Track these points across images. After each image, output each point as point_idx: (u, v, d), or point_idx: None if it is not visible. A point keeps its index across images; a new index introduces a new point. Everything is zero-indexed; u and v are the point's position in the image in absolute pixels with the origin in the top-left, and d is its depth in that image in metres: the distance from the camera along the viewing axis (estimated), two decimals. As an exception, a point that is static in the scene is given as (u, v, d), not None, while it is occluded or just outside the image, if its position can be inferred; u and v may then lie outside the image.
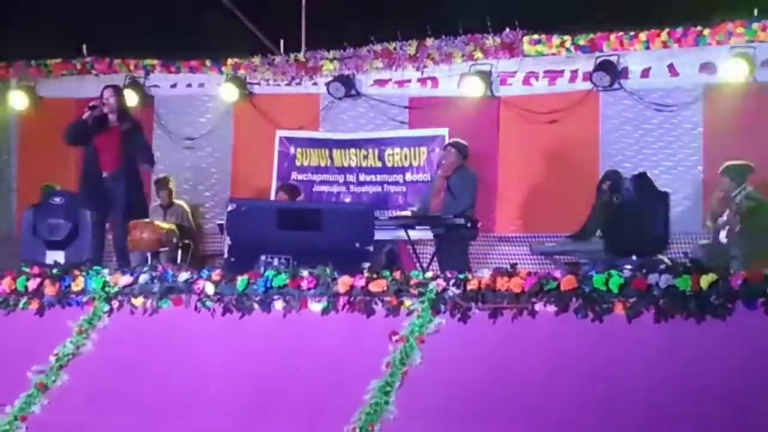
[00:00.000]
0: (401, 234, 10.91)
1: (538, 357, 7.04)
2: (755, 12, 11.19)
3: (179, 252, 11.79)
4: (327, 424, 7.02)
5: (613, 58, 11.77)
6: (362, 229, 8.87)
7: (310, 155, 13.15)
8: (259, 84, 13.41)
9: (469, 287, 7.35)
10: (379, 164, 12.86)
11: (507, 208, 12.32)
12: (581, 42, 11.91)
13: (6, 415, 7.70)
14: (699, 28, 11.40)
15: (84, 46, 13.85)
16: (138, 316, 8.19)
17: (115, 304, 8.27)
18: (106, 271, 8.56)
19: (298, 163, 13.19)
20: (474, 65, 12.34)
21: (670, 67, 11.60)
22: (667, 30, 11.53)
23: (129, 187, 9.88)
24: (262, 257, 8.33)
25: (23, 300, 8.55)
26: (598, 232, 9.89)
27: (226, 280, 7.99)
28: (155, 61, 13.74)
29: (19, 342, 8.32)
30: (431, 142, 12.59)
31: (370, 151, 12.89)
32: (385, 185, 12.83)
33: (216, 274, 8.08)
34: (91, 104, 10.00)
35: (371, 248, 8.78)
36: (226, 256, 8.68)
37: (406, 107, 12.86)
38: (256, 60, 13.31)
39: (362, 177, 12.94)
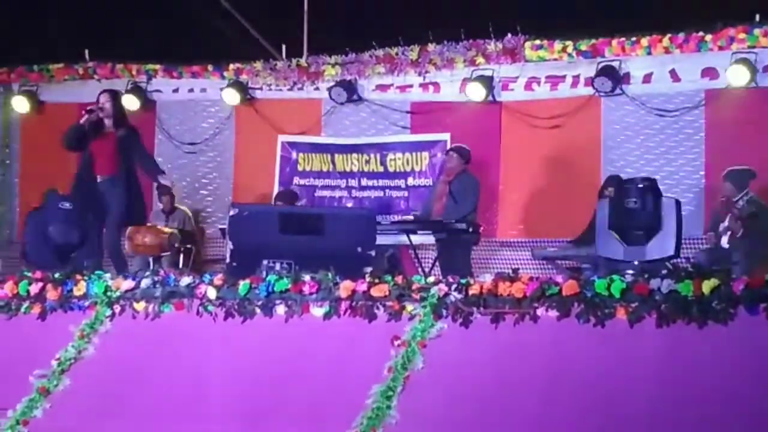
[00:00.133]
0: (403, 239, 10.93)
1: (540, 362, 7.04)
2: (757, 17, 11.20)
3: (181, 256, 11.80)
4: (329, 429, 7.02)
5: (615, 64, 11.78)
6: (364, 234, 8.88)
7: (312, 160, 13.15)
8: (261, 89, 13.43)
9: (471, 292, 7.35)
10: (381, 169, 12.86)
11: (509, 212, 12.32)
12: (583, 47, 11.92)
13: (8, 419, 7.70)
14: (701, 33, 11.40)
15: (86, 51, 13.87)
16: (140, 320, 8.19)
17: (117, 308, 8.26)
18: (108, 275, 8.56)
19: (300, 168, 13.20)
20: (476, 70, 12.35)
21: (672, 72, 11.62)
22: (668, 35, 11.54)
23: (126, 192, 9.84)
24: (264, 262, 8.32)
25: (25, 304, 8.55)
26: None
27: (228, 285, 7.99)
28: (157, 66, 13.76)
29: (21, 346, 8.31)
30: (433, 147, 12.59)
31: (372, 156, 12.90)
32: (387, 190, 12.84)
33: (218, 279, 8.07)
34: (87, 108, 9.98)
35: (373, 253, 8.78)
36: (228, 260, 8.68)
37: (408, 112, 12.87)
38: (258, 65, 13.32)
39: (364, 182, 12.95)
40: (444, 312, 7.36)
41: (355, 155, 12.99)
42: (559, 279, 7.27)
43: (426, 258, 11.31)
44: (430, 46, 12.55)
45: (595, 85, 11.80)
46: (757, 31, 11.16)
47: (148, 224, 11.41)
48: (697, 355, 6.72)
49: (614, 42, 11.78)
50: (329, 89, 12.90)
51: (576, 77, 12.05)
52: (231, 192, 13.44)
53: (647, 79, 11.75)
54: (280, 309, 7.80)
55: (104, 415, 7.61)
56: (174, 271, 8.69)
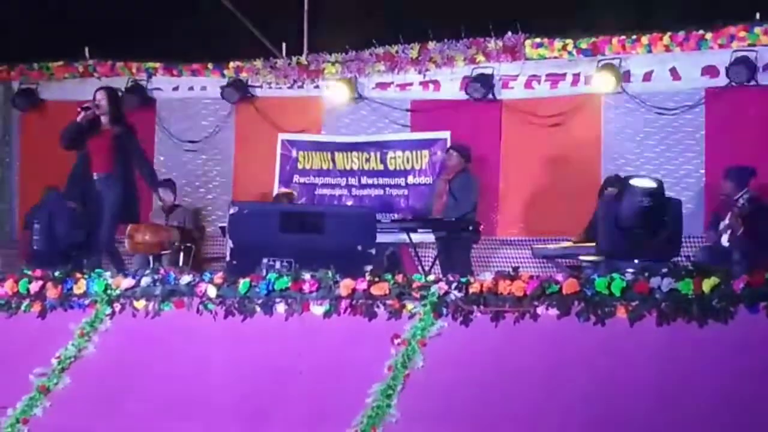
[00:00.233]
0: (403, 237, 10.94)
1: (540, 360, 7.04)
2: (757, 16, 11.19)
3: (181, 255, 11.80)
4: (329, 427, 7.03)
5: (615, 62, 11.77)
6: (364, 232, 8.89)
7: (312, 158, 13.14)
8: (261, 87, 13.42)
9: (471, 290, 7.35)
10: (381, 167, 12.85)
11: (509, 211, 12.31)
12: (583, 45, 11.90)
13: (8, 417, 7.71)
14: (701, 31, 11.39)
15: (86, 49, 13.86)
16: (140, 318, 8.19)
17: (117, 307, 8.28)
18: (108, 274, 8.56)
19: (300, 167, 13.19)
20: (476, 68, 12.34)
21: (672, 70, 11.60)
22: (669, 33, 11.52)
23: (121, 190, 9.81)
24: (264, 260, 8.33)
25: (25, 303, 8.56)
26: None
27: (228, 283, 7.99)
28: (157, 64, 13.75)
29: (21, 345, 8.32)
30: (433, 145, 12.58)
31: (372, 154, 12.89)
32: (387, 188, 12.83)
33: (218, 277, 8.08)
34: (83, 106, 9.96)
35: (373, 251, 8.80)
36: (228, 258, 8.69)
37: (408, 110, 12.85)
38: (258, 63, 13.31)
39: (364, 180, 12.94)
40: (444, 310, 7.36)
41: (355, 153, 12.97)
42: (559, 277, 7.27)
43: (426, 256, 11.32)
44: (430, 44, 12.54)
45: (595, 83, 11.80)
46: (757, 30, 11.14)
47: (148, 222, 11.43)
48: (697, 353, 6.73)
49: (614, 40, 11.76)
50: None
51: (576, 75, 12.03)
52: (231, 190, 13.44)
53: (647, 77, 11.73)
54: (280, 307, 7.80)
55: (104, 414, 7.62)
56: (174, 270, 8.69)
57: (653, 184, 8.92)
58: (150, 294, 8.20)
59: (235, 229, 8.71)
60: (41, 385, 7.85)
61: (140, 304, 8.21)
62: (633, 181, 8.95)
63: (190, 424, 7.41)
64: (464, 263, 10.62)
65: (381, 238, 9.58)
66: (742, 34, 11.18)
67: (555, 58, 12.09)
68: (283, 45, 13.32)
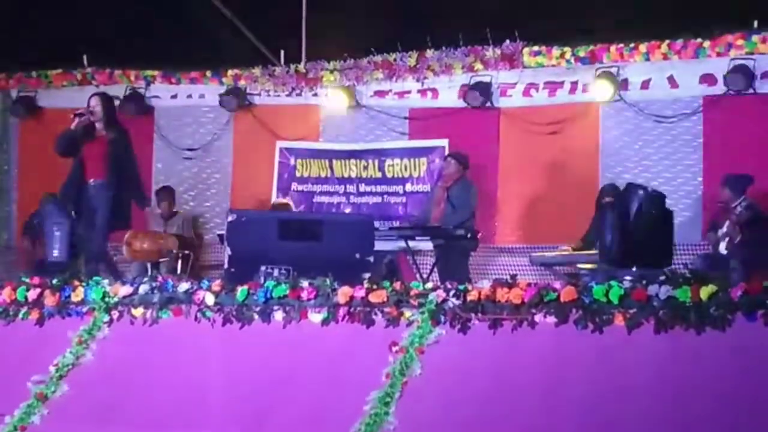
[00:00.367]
0: (401, 245, 10.94)
1: (538, 368, 7.04)
2: (755, 24, 11.21)
3: (179, 262, 11.79)
4: (327, 435, 7.04)
5: (613, 70, 11.78)
6: (362, 240, 8.88)
7: (311, 166, 13.15)
8: (259, 95, 13.43)
9: (469, 298, 7.35)
10: (379, 175, 12.86)
11: (507, 219, 12.32)
12: (581, 53, 11.92)
13: (6, 425, 7.70)
14: (699, 39, 11.41)
15: (84, 57, 13.87)
16: (138, 326, 8.19)
17: (115, 314, 8.26)
18: (106, 281, 8.55)
19: (298, 174, 13.20)
20: (474, 76, 12.36)
21: (670, 78, 11.62)
22: (667, 42, 11.55)
23: (112, 196, 9.79)
24: (263, 268, 8.32)
25: (23, 310, 8.55)
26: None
27: (226, 291, 7.99)
28: (156, 72, 13.76)
29: (19, 352, 8.31)
30: (431, 152, 12.60)
31: (370, 161, 12.90)
32: (385, 196, 12.84)
33: (216, 285, 8.07)
34: (76, 112, 9.95)
35: (371, 259, 8.79)
36: (226, 266, 8.68)
37: (406, 118, 12.87)
38: (257, 71, 13.32)
39: (362, 188, 12.95)
40: (442, 318, 7.36)
41: (353, 161, 12.99)
42: (557, 285, 7.27)
43: (424, 264, 11.31)
44: (429, 52, 12.55)
45: (593, 91, 11.81)
46: (755, 38, 11.16)
47: (146, 230, 11.42)
48: (695, 361, 6.73)
49: (612, 48, 11.79)
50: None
51: (574, 83, 12.05)
52: (229, 198, 13.44)
53: (645, 85, 11.75)
54: (278, 315, 7.80)
55: (102, 422, 7.61)
56: (172, 277, 8.69)
57: (658, 193, 8.94)
58: (148, 301, 8.19)
59: (233, 236, 8.70)
60: (39, 393, 7.83)
61: (138, 311, 8.20)
62: (639, 189, 8.94)
63: (188, 431, 7.40)
64: (462, 271, 10.63)
65: (379, 245, 9.57)
66: (740, 42, 11.21)
67: (553, 66, 12.11)
68: (282, 53, 13.33)
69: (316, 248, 8.65)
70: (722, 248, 10.14)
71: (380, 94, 12.93)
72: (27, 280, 8.70)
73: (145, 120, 13.66)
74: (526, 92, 12.27)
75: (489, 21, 12.12)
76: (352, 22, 12.92)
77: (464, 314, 7.32)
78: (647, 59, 11.69)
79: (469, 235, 10.79)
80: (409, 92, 12.80)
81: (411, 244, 11.03)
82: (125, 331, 8.19)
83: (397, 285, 7.64)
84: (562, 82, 12.11)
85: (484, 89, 12.24)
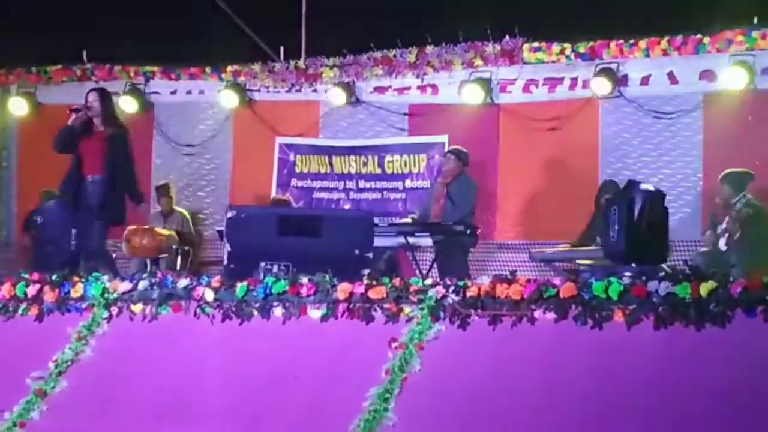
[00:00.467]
0: (401, 241, 10.93)
1: (538, 364, 7.04)
2: (755, 20, 11.21)
3: (179, 258, 11.79)
4: (326, 431, 7.02)
5: (613, 66, 11.78)
6: (362, 236, 8.87)
7: (310, 162, 13.15)
8: (259, 91, 13.43)
9: (468, 294, 7.34)
10: (378, 171, 12.86)
11: (506, 215, 12.33)
12: (581, 49, 11.93)
13: (5, 421, 7.69)
14: (699, 36, 11.42)
15: (84, 53, 13.87)
16: (137, 322, 8.18)
17: (114, 310, 8.25)
18: (105, 277, 8.55)
19: (297, 170, 13.20)
20: (474, 72, 12.36)
21: (670, 74, 11.62)
22: (666, 38, 11.55)
23: (108, 192, 9.77)
24: (262, 264, 8.32)
25: (22, 306, 8.54)
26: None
27: (226, 287, 7.98)
28: (155, 68, 13.76)
29: (18, 348, 8.30)
30: (431, 149, 12.60)
31: (370, 157, 12.90)
32: (385, 192, 12.84)
33: (215, 281, 8.07)
34: (73, 108, 9.93)
35: (371, 255, 8.78)
36: (225, 262, 8.68)
37: (405, 114, 12.87)
38: (256, 67, 13.33)
39: (362, 184, 12.95)
40: (441, 314, 7.35)
41: (352, 157, 12.99)
42: (556, 281, 7.27)
43: (424, 260, 11.31)
44: (428, 48, 12.56)
45: (592, 87, 11.80)
46: (755, 34, 11.17)
47: (146, 226, 11.42)
48: (694, 357, 6.72)
49: (612, 44, 11.79)
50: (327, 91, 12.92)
51: (574, 79, 12.05)
52: (229, 194, 13.45)
53: (645, 81, 11.75)
54: (278, 311, 7.79)
55: (101, 417, 7.60)
56: (171, 273, 8.68)
57: (658, 190, 8.93)
58: (147, 297, 8.18)
59: (233, 232, 8.70)
60: (38, 389, 7.82)
61: (137, 307, 8.19)
62: (646, 186, 8.93)
63: (187, 427, 7.40)
64: (462, 267, 10.62)
65: (378, 241, 9.56)
66: (740, 38, 11.21)
67: (553, 62, 12.11)
68: (281, 49, 13.34)
69: (315, 244, 8.64)
70: (722, 245, 10.14)
71: (380, 90, 12.93)
72: (26, 276, 8.69)
73: (145, 116, 13.66)
74: (525, 88, 12.27)
75: (489, 17, 12.11)
76: (351, 18, 12.91)
77: (464, 310, 7.31)
78: (647, 55, 11.70)
79: (468, 232, 10.78)
80: (408, 88, 12.81)
81: (410, 240, 11.03)
82: (124, 327, 8.19)
83: (397, 281, 7.63)
84: (562, 78, 12.11)
85: (484, 85, 12.23)
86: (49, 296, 8.45)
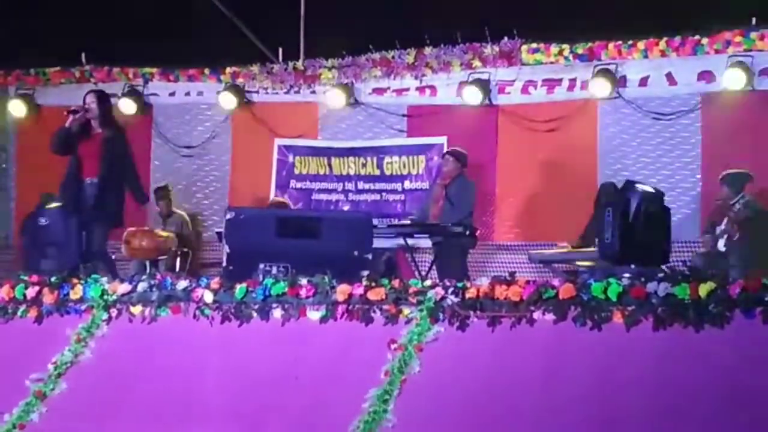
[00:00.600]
0: (400, 242, 10.93)
1: (537, 365, 7.04)
2: (753, 21, 11.21)
3: (178, 260, 11.79)
4: (325, 433, 7.04)
5: (612, 67, 11.78)
6: (361, 237, 8.88)
7: (309, 163, 13.15)
8: (257, 92, 13.42)
9: (467, 295, 7.35)
10: (377, 172, 12.86)
11: (505, 216, 12.32)
12: (579, 51, 11.92)
13: (4, 423, 7.70)
14: (697, 37, 11.41)
15: (83, 55, 13.86)
16: (136, 324, 8.19)
17: (114, 312, 8.26)
18: (104, 279, 8.55)
19: (296, 172, 13.20)
20: (472, 74, 12.35)
21: (669, 75, 11.62)
22: (665, 39, 11.54)
23: (107, 194, 9.77)
24: (261, 265, 8.33)
25: (22, 308, 8.54)
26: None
27: (225, 288, 7.99)
28: (154, 70, 13.75)
29: (17, 350, 8.31)
30: (430, 150, 12.59)
31: (369, 159, 12.89)
32: (384, 193, 12.84)
33: (215, 282, 8.07)
34: (71, 109, 9.93)
35: (370, 256, 8.78)
36: (224, 264, 8.68)
37: (404, 115, 12.87)
38: (255, 68, 13.32)
39: (361, 185, 12.94)
40: (441, 315, 7.36)
41: (351, 158, 12.99)
42: (555, 282, 7.28)
43: (423, 261, 11.31)
44: (427, 50, 12.55)
45: (591, 88, 11.81)
46: (753, 35, 11.16)
47: (145, 228, 11.42)
48: (693, 358, 6.73)
49: (611, 45, 11.78)
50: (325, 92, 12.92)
51: (572, 80, 12.04)
52: (227, 195, 13.44)
53: (644, 82, 11.75)
54: (277, 312, 7.80)
55: (101, 419, 7.61)
56: (171, 275, 8.69)
57: (657, 190, 8.94)
58: (147, 299, 8.19)
59: (232, 234, 8.70)
60: (38, 391, 7.83)
61: (137, 309, 8.20)
62: (641, 187, 8.94)
63: (187, 429, 7.40)
64: (461, 268, 10.62)
65: (377, 243, 9.57)
66: (738, 39, 11.21)
67: (551, 63, 12.10)
68: (280, 50, 13.34)
69: (314, 246, 8.64)
70: (721, 245, 10.14)
71: (378, 91, 12.92)
72: (25, 278, 8.69)
73: (144, 118, 13.66)
74: (524, 89, 12.26)
75: (487, 18, 12.11)
76: (350, 20, 12.91)
77: (463, 312, 7.32)
78: (645, 56, 11.69)
79: (467, 233, 10.78)
80: (407, 89, 12.80)
81: (409, 241, 11.02)
82: (124, 328, 8.19)
83: (396, 282, 7.64)
84: (561, 80, 12.10)
85: (482, 86, 12.24)
86: (49, 298, 8.46)
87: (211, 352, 7.82)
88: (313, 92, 13.15)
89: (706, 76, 11.45)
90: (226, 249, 8.68)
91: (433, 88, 12.67)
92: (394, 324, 7.47)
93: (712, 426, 6.43)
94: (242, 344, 7.79)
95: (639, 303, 6.94)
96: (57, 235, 9.58)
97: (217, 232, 11.71)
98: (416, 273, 10.78)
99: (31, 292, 8.54)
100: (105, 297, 8.29)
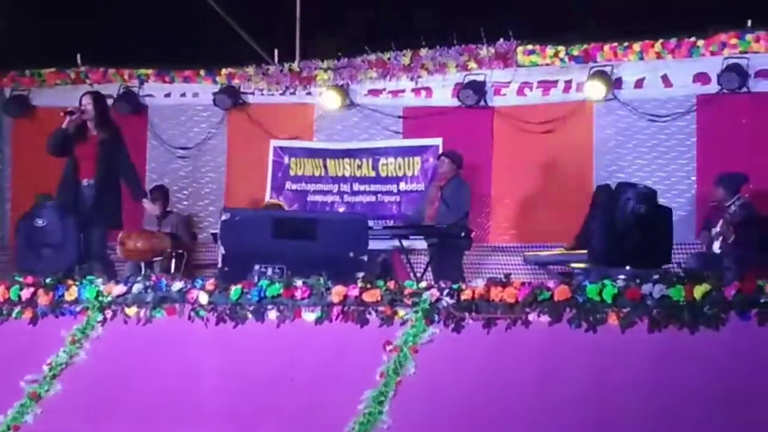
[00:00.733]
0: (395, 244, 10.93)
1: (532, 367, 7.04)
2: (749, 23, 11.22)
3: (173, 261, 11.78)
4: (320, 434, 7.03)
5: (607, 69, 11.79)
6: (356, 239, 8.88)
7: (304, 165, 13.15)
8: (253, 94, 13.41)
9: (462, 297, 7.35)
10: (373, 174, 12.86)
11: (501, 217, 12.33)
12: (575, 52, 11.93)
13: (-1, 424, 7.70)
14: (693, 38, 11.43)
15: (78, 56, 13.85)
16: (131, 325, 8.18)
17: (109, 313, 8.25)
18: (99, 280, 8.54)
19: (292, 173, 13.19)
20: (468, 75, 12.35)
21: (664, 77, 11.63)
22: (660, 41, 11.56)
23: (104, 196, 9.77)
24: (256, 267, 8.32)
25: (16, 309, 8.53)
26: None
27: (220, 290, 7.98)
28: (149, 71, 13.74)
29: (12, 351, 8.30)
30: (425, 151, 12.60)
31: (364, 160, 12.90)
32: (379, 195, 12.84)
33: (210, 284, 8.06)
34: (67, 110, 9.91)
35: (365, 258, 8.78)
36: (220, 265, 8.68)
37: (400, 117, 12.86)
38: (251, 70, 13.31)
39: (356, 186, 12.95)
40: (436, 317, 7.36)
41: (347, 160, 12.99)
42: (550, 284, 7.28)
43: (418, 263, 11.31)
44: (423, 51, 12.55)
45: (586, 90, 11.81)
46: (749, 37, 11.17)
47: (140, 229, 11.41)
48: (688, 360, 6.73)
49: (606, 47, 11.79)
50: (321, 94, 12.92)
51: (568, 82, 12.05)
52: (223, 197, 13.43)
53: (639, 84, 11.76)
54: (272, 314, 7.79)
55: (96, 421, 7.60)
56: (166, 276, 8.68)
57: (649, 191, 8.95)
58: (141, 301, 8.18)
59: (227, 235, 8.70)
60: (32, 392, 7.82)
61: (132, 310, 8.19)
62: (629, 188, 8.96)
63: (182, 430, 7.39)
64: (456, 270, 10.63)
65: (373, 244, 9.57)
66: (734, 41, 11.22)
67: (547, 65, 12.11)
68: (275, 52, 13.32)
69: (309, 247, 8.64)
70: (716, 247, 10.15)
71: (374, 92, 12.92)
72: (20, 279, 8.68)
73: (139, 119, 13.64)
74: (520, 91, 12.27)
75: (483, 20, 12.11)
76: (345, 21, 12.91)
77: (458, 313, 7.32)
78: (641, 58, 11.70)
79: (462, 234, 10.79)
80: (403, 91, 12.80)
81: (405, 243, 11.03)
82: (119, 330, 8.18)
83: (391, 284, 7.64)
84: (556, 81, 12.11)
85: (478, 88, 12.24)
86: (43, 299, 8.44)
87: (206, 353, 7.81)
88: (309, 94, 13.15)
89: (701, 78, 11.46)
90: (222, 250, 8.68)
91: (428, 89, 12.67)
92: (389, 325, 7.46)
93: (707, 428, 6.43)
94: (237, 346, 7.78)
95: (634, 305, 6.94)
96: (53, 236, 9.55)
97: (212, 234, 11.71)
98: (411, 274, 10.79)
99: (25, 293, 8.52)
100: (100, 298, 8.28)
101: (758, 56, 11.17)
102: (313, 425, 7.12)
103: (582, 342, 6.99)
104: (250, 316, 7.84)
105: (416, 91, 12.73)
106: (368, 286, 7.64)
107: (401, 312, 7.46)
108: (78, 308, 8.33)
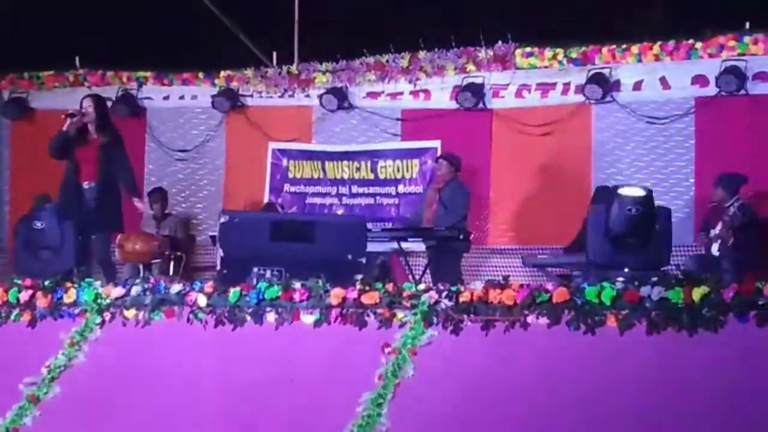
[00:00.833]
0: (394, 246, 10.93)
1: (530, 369, 7.04)
2: (747, 25, 11.23)
3: (171, 264, 11.77)
4: (319, 437, 7.03)
5: (606, 71, 11.79)
6: (355, 241, 8.88)
7: (303, 167, 13.15)
8: (251, 96, 13.41)
9: (461, 299, 7.35)
10: (371, 176, 12.86)
11: (499, 220, 12.32)
12: (573, 55, 11.93)
13: (-2, 427, 7.70)
14: (691, 41, 11.43)
15: (77, 59, 13.85)
16: (130, 328, 8.17)
17: (107, 316, 8.25)
18: (98, 283, 8.54)
19: (290, 175, 13.19)
20: (466, 78, 12.36)
21: (662, 80, 11.63)
22: (659, 43, 11.56)
23: (105, 199, 9.78)
24: (255, 269, 8.32)
25: (15, 312, 8.53)
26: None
27: (219, 292, 7.98)
28: (148, 74, 13.73)
29: (10, 354, 8.29)
30: (424, 154, 12.60)
31: (363, 163, 12.90)
32: (378, 197, 12.84)
33: (208, 286, 8.06)
34: (68, 113, 9.92)
35: (364, 260, 8.79)
36: (218, 267, 8.68)
37: (398, 119, 12.86)
38: (249, 72, 13.31)
39: (355, 189, 12.94)
40: (434, 319, 7.36)
41: (345, 162, 12.98)
42: (549, 286, 7.28)
43: (416, 265, 11.31)
44: (421, 54, 12.55)
45: (585, 92, 11.81)
46: (747, 39, 11.18)
47: (139, 231, 11.40)
48: (687, 362, 6.73)
49: (605, 49, 11.80)
50: (320, 96, 12.90)
51: (566, 85, 12.05)
52: (222, 199, 13.42)
53: (637, 86, 11.76)
54: (271, 316, 7.79)
55: (94, 423, 7.60)
56: (164, 279, 8.68)
57: (642, 193, 8.95)
58: (140, 303, 8.18)
59: (226, 238, 8.70)
60: (31, 395, 7.82)
61: (130, 313, 8.19)
62: (621, 190, 8.97)
63: (181, 433, 7.41)
64: (454, 272, 10.62)
65: (371, 247, 9.58)
66: (732, 43, 11.23)
67: (545, 67, 12.12)
68: (274, 54, 13.32)
69: (308, 249, 8.65)
70: (714, 250, 10.15)
71: (372, 95, 12.92)
72: (18, 282, 8.68)
73: (137, 121, 13.64)
74: (518, 93, 12.27)
75: (481, 22, 12.12)
76: (344, 24, 12.91)
77: (457, 315, 7.32)
78: (639, 60, 11.71)
79: (461, 237, 10.78)
80: (401, 93, 12.80)
81: (403, 245, 11.02)
82: (117, 332, 8.18)
83: (390, 286, 7.64)
84: (555, 84, 12.11)
85: (476, 90, 12.24)
86: (42, 302, 8.44)
87: (204, 356, 7.81)
88: (308, 96, 13.15)
89: (699, 80, 11.46)
90: (220, 252, 8.68)
91: (427, 92, 12.67)
92: (387, 328, 7.46)
93: (706, 430, 6.43)
94: (236, 348, 7.78)
95: (632, 307, 6.94)
96: (52, 238, 9.55)
97: (210, 236, 11.69)
98: (410, 277, 10.79)
99: (24, 295, 8.52)
100: (98, 301, 8.27)
101: (756, 59, 11.18)
102: (312, 427, 7.13)
103: (580, 344, 6.99)
104: (248, 318, 7.84)
105: (415, 93, 12.73)
106: (367, 288, 7.64)
107: (400, 314, 7.46)
108: (76, 311, 8.33)
